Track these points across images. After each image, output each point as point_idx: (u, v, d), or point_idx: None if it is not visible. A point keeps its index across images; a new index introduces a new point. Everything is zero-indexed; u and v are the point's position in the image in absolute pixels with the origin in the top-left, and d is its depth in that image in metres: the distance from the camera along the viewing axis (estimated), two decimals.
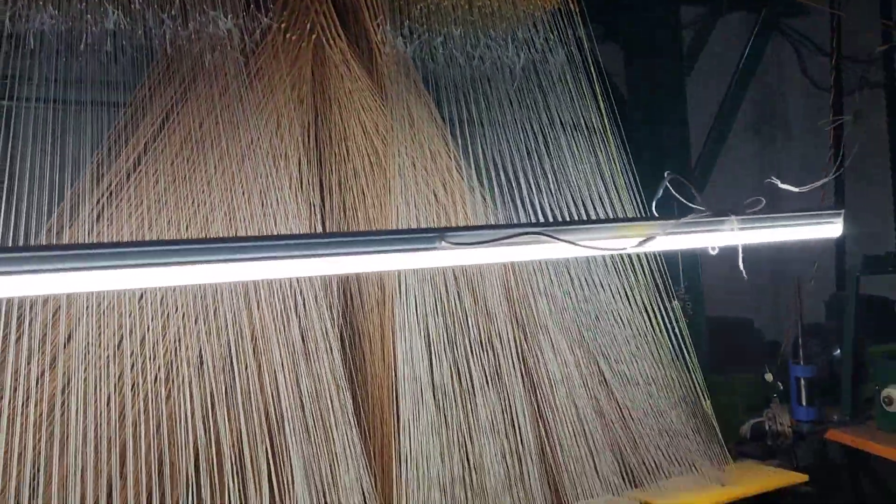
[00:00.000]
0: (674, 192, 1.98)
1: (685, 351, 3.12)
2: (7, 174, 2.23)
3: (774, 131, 4.90)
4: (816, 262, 3.66)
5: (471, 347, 2.59)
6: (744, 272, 1.99)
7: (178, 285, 2.14)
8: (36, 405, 1.97)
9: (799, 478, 3.07)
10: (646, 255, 3.08)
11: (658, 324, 3.06)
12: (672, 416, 3.02)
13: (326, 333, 2.47)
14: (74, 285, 1.29)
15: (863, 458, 3.33)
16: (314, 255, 1.45)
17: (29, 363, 1.98)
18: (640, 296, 3.02)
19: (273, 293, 2.38)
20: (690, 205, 1.99)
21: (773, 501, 3.13)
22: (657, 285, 3.07)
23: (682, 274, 3.65)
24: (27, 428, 1.95)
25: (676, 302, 3.16)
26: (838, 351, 3.56)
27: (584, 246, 1.74)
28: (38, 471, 1.96)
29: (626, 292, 2.98)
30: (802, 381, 3.36)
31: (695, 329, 3.39)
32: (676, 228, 1.89)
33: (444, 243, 1.57)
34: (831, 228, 2.14)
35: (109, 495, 2.07)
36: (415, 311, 2.48)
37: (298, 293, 2.42)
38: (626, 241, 1.82)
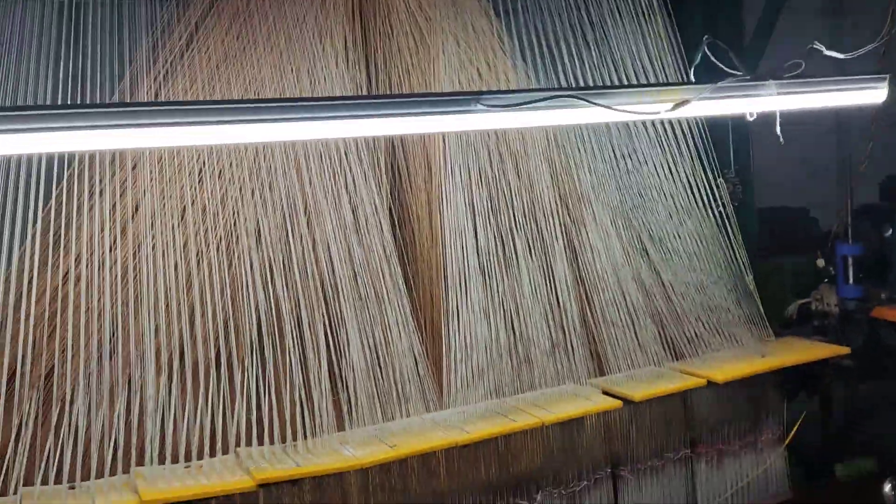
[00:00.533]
0: (712, 58, 1.99)
1: (729, 228, 3.16)
2: (72, 61, 2.36)
3: (836, 4, 4.72)
4: (871, 142, 3.58)
5: (514, 219, 2.69)
6: (780, 137, 2.00)
7: (234, 160, 2.27)
8: (110, 269, 2.15)
9: (840, 350, 3.14)
10: (692, 132, 3.09)
11: (702, 200, 3.10)
12: (714, 290, 3.09)
13: (376, 209, 2.59)
14: (140, 140, 1.41)
15: None
16: (359, 116, 1.54)
17: (102, 231, 2.15)
18: (685, 171, 3.05)
19: (324, 170, 2.49)
20: (729, 70, 2.00)
21: (816, 375, 3.21)
22: (703, 163, 3.09)
23: (733, 158, 3.63)
24: (104, 290, 2.13)
25: (722, 179, 3.18)
26: (889, 231, 3.53)
27: (618, 110, 1.78)
28: (117, 329, 2.15)
29: (670, 167, 3.02)
30: (850, 260, 3.37)
31: (744, 213, 3.41)
32: (713, 93, 1.91)
33: (479, 106, 1.64)
34: (874, 94, 2.12)
35: (182, 354, 2.26)
36: (460, 184, 2.58)
37: (348, 170, 2.52)
38: (661, 106, 1.85)
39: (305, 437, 2.35)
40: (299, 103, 1.50)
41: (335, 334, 2.47)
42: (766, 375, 2.99)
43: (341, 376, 2.46)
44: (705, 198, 3.11)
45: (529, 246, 2.74)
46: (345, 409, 2.46)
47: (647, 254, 3.02)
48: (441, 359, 2.60)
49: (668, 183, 2.99)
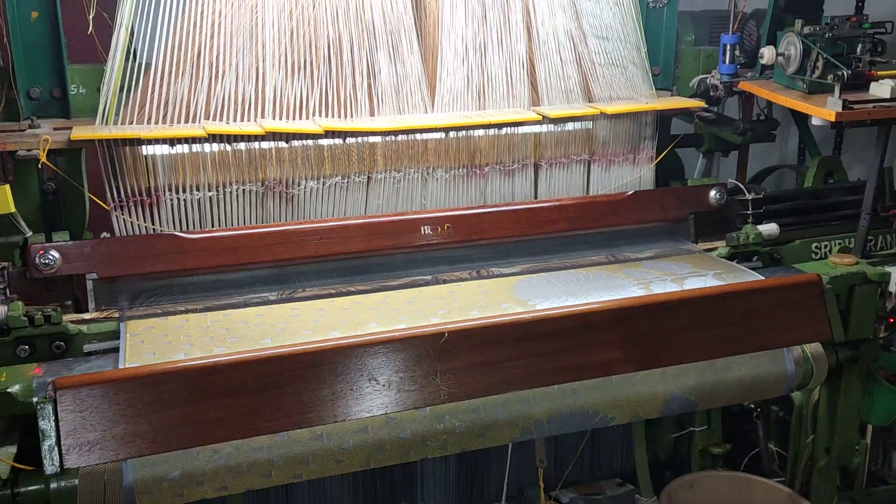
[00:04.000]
0: None
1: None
2: None
3: None
4: None
5: None
6: None
7: None
8: (241, 11, 3.85)
9: (696, 103, 4.76)
10: None
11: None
12: (625, 62, 4.66)
13: None
14: None
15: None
16: None
17: None
18: None
19: None
20: None
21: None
22: None
23: None
24: (241, 20, 3.84)
25: None
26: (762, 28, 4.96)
27: None
28: (249, 39, 3.86)
29: None
30: (728, 47, 4.85)
31: (670, 12, 4.89)
32: None
33: None
34: None
35: (285, 60, 3.97)
36: None
37: None
38: None
39: (352, 116, 4.11)
40: None
41: (373, 58, 4.14)
42: (648, 114, 4.64)
43: (375, 84, 4.16)
44: None
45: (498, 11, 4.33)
46: (375, 105, 4.18)
47: (585, 39, 4.56)
48: (435, 80, 4.29)
49: None
